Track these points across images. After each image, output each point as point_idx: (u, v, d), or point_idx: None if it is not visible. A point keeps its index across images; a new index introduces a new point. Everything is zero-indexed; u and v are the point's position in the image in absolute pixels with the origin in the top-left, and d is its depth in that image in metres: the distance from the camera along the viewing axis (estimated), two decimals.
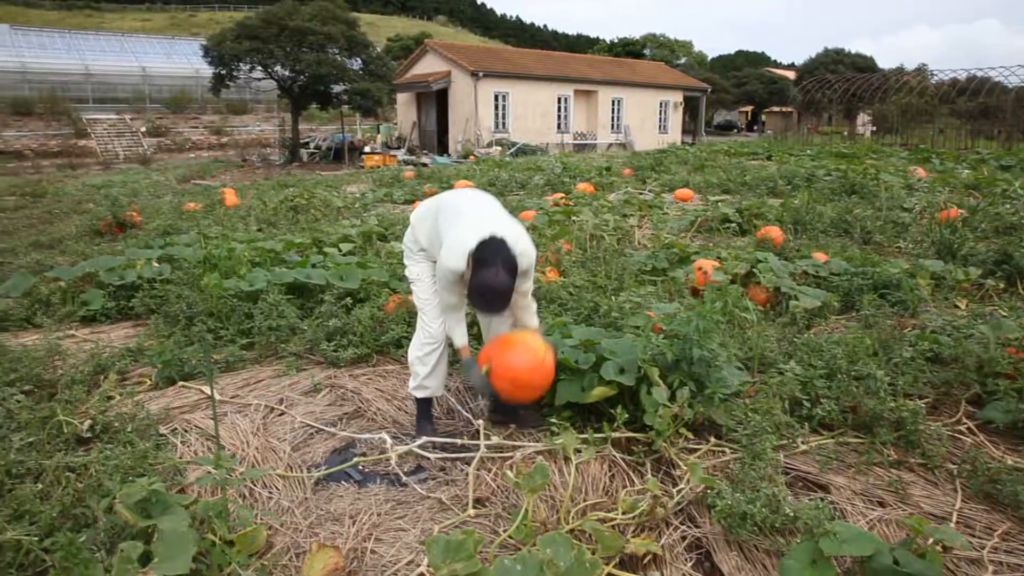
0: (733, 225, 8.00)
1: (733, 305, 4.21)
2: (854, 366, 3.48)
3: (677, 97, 37.39)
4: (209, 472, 2.46)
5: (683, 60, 68.22)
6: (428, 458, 3.17)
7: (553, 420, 3.24)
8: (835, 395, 3.33)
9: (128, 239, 8.27)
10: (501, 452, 3.15)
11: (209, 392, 3.91)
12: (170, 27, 75.49)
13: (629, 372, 3.21)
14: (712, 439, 3.18)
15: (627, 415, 3.08)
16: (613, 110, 34.39)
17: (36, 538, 2.57)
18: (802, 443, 3.12)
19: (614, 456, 3.03)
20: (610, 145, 32.80)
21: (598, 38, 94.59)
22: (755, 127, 61.18)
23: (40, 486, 2.90)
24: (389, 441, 3.26)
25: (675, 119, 37.53)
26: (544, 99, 31.40)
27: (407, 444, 3.27)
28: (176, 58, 40.20)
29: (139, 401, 3.76)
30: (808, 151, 18.96)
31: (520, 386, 3.18)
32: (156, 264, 5.86)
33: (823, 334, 4.32)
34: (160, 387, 4.06)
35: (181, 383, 4.07)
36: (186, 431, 3.48)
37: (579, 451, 2.97)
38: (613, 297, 4.64)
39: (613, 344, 3.42)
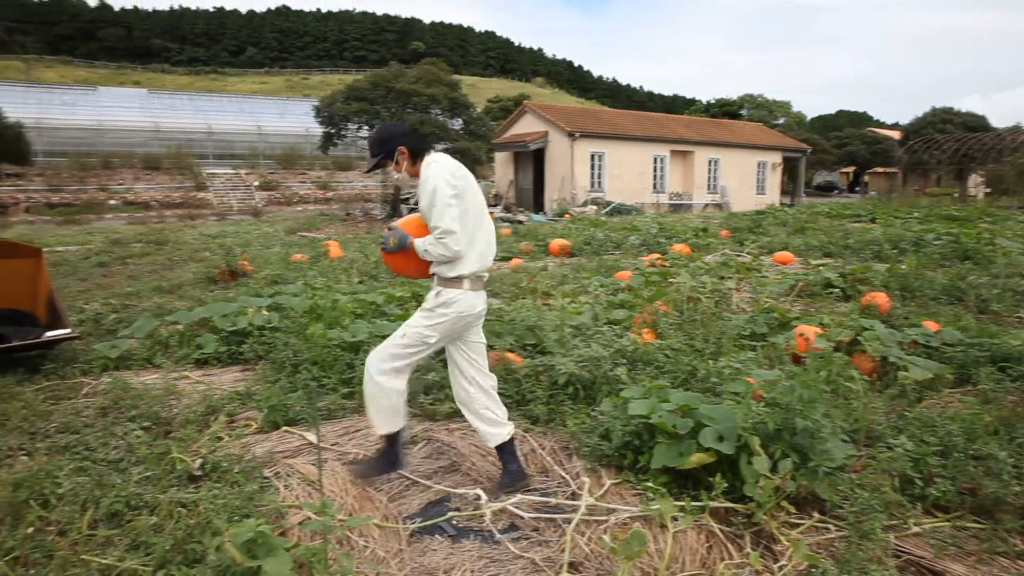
0: (836, 290, 7.75)
1: (837, 374, 4.08)
2: (972, 445, 3.29)
3: (775, 158, 36.82)
4: (313, 518, 2.54)
5: (781, 120, 67.36)
6: (522, 516, 3.17)
7: (649, 484, 3.20)
8: (951, 475, 3.15)
9: (240, 287, 8.73)
10: (594, 515, 3.12)
11: (311, 439, 4.05)
12: (285, 89, 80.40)
13: (728, 440, 3.14)
14: (815, 514, 3.06)
15: (726, 484, 3.01)
16: (710, 170, 34.15)
17: (150, 568, 2.71)
18: (914, 525, 2.96)
19: (712, 526, 2.95)
20: (706, 205, 32.48)
21: (694, 99, 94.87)
22: (857, 188, 59.35)
23: (155, 519, 3.06)
24: (484, 497, 3.29)
25: (773, 180, 36.90)
26: (640, 159, 31.52)
27: (501, 501, 3.29)
28: (289, 118, 42.68)
29: (246, 443, 3.94)
30: (915, 213, 18.25)
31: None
32: (265, 312, 6.16)
33: (936, 409, 4.11)
34: (266, 431, 4.24)
35: (285, 428, 4.24)
36: (288, 475, 3.60)
37: (676, 519, 2.92)
38: (711, 361, 4.57)
39: (712, 410, 3.37)
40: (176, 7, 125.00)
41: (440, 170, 3.29)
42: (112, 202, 30.96)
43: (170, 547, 2.79)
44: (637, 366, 4.71)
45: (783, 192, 38.66)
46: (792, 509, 3.07)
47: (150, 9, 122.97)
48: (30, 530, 3.04)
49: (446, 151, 26.35)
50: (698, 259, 10.27)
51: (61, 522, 3.11)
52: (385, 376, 3.37)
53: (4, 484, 3.43)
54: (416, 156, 3.43)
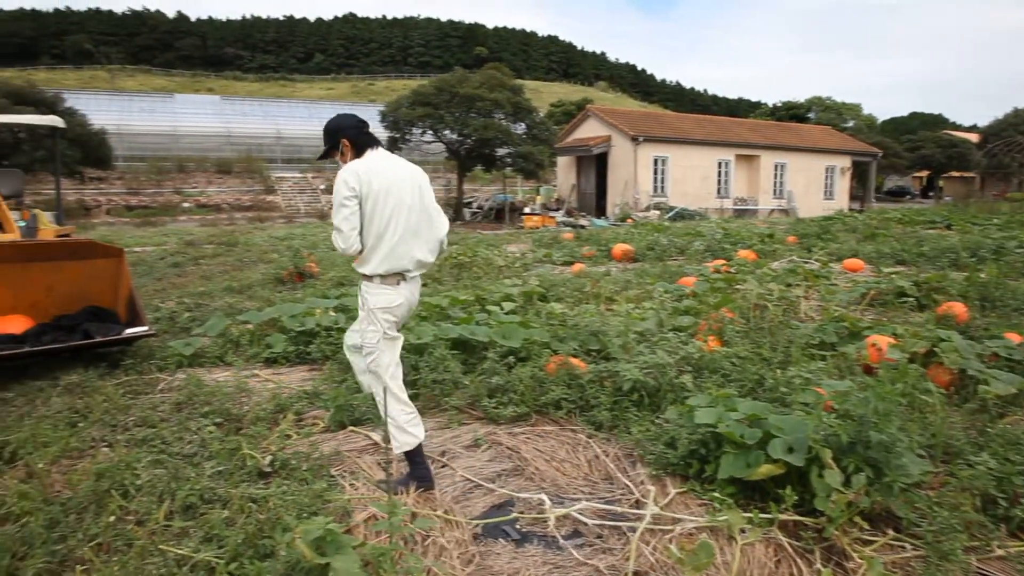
0: (910, 300, 7.48)
1: (913, 387, 3.94)
2: None
3: (844, 162, 35.86)
4: (383, 518, 2.57)
5: (851, 123, 65.39)
6: (586, 523, 3.16)
7: (716, 495, 3.15)
8: None
9: (307, 288, 8.94)
10: (660, 524, 3.09)
11: (376, 439, 4.12)
12: (351, 94, 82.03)
13: (799, 451, 3.07)
14: (890, 532, 2.96)
15: (795, 497, 2.93)
16: (776, 175, 33.47)
17: (223, 561, 2.79)
18: (998, 547, 2.83)
19: (781, 540, 2.89)
20: (772, 211, 31.84)
21: (759, 102, 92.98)
22: (931, 193, 57.28)
23: (227, 513, 3.16)
24: (548, 503, 3.29)
25: (842, 185, 35.93)
26: (704, 163, 31.10)
27: (565, 507, 3.28)
28: None
29: (313, 442, 4.03)
30: (995, 220, 17.49)
31: None
32: (332, 313, 6.29)
33: (1021, 426, 3.93)
34: (332, 430, 4.32)
35: (351, 427, 4.32)
36: (354, 474, 3.67)
37: (744, 531, 2.86)
38: (779, 371, 4.47)
39: (781, 420, 3.29)
40: (248, 16, 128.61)
41: (345, 171, 3.40)
42: (186, 205, 32.11)
43: (242, 541, 2.87)
44: (703, 374, 4.65)
45: (852, 197, 37.61)
46: (865, 525, 2.98)
47: (224, 19, 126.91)
48: (112, 519, 3.17)
49: (509, 155, 26.57)
50: (764, 266, 10.06)
51: (139, 512, 3.23)
52: (382, 388, 3.46)
53: (88, 473, 3.59)
54: (359, 150, 3.53)
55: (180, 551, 2.88)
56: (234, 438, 4.06)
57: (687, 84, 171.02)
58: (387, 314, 3.46)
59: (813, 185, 34.50)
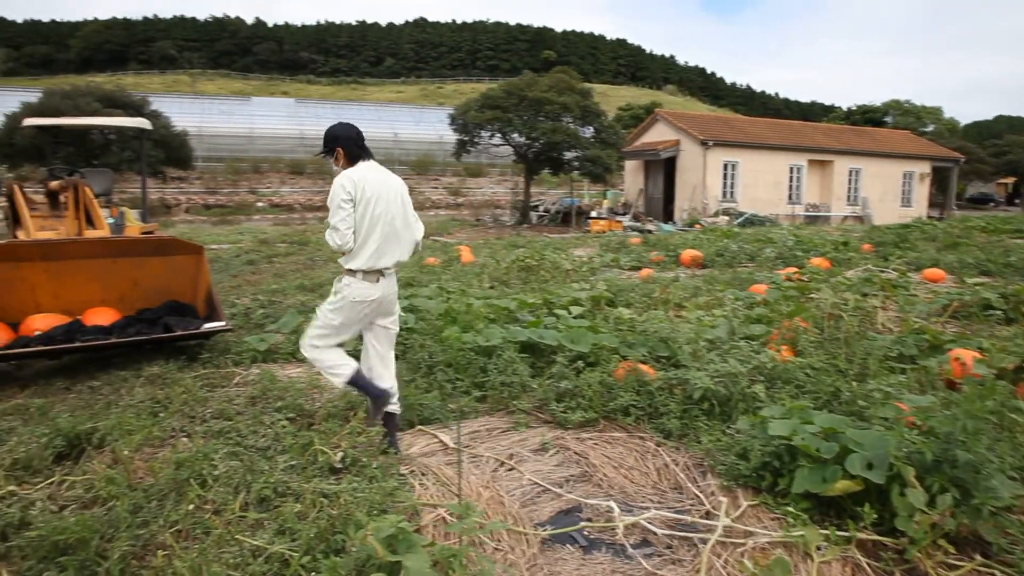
0: (996, 312, 7.16)
1: (1002, 404, 3.76)
2: None
3: (923, 168, 34.51)
4: (450, 520, 2.59)
5: (931, 127, 62.89)
6: (655, 532, 3.12)
7: (790, 509, 3.07)
8: None
9: None
10: (731, 537, 3.02)
11: (444, 439, 4.15)
12: (420, 97, 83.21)
13: (879, 468, 2.96)
14: (978, 557, 2.83)
15: (875, 515, 2.83)
16: (850, 181, 32.44)
17: (297, 554, 2.85)
18: None
19: (859, 559, 2.79)
20: (845, 218, 30.90)
21: (833, 105, 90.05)
22: (1017, 200, 54.61)
23: (299, 507, 3.22)
24: (616, 510, 3.26)
25: (920, 191, 34.59)
26: (775, 168, 30.39)
27: (634, 515, 3.24)
28: (423, 125, 44.07)
29: (383, 440, 4.08)
30: None
31: None
32: (402, 313, 6.36)
33: None
34: (401, 428, 4.37)
35: (419, 427, 4.36)
36: (423, 474, 3.70)
37: (820, 548, 2.78)
38: (855, 383, 4.33)
39: (860, 435, 3.19)
40: (322, 22, 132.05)
41: (343, 177, 3.88)
42: (260, 204, 33.06)
43: (314, 535, 2.93)
44: (776, 384, 4.55)
45: (931, 204, 36.15)
46: (951, 549, 2.85)
47: (299, 24, 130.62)
48: (191, 507, 3.28)
49: (576, 158, 26.49)
50: (839, 274, 9.76)
51: (216, 502, 3.33)
52: (308, 351, 4.13)
53: (168, 462, 3.73)
54: (351, 159, 4.00)
55: (255, 542, 2.95)
56: (306, 433, 4.14)
57: (757, 87, 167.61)
58: (359, 304, 3.98)
59: (889, 192, 33.32)
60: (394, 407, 4.13)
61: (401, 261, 4.12)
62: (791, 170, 30.99)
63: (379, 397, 4.05)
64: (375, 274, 3.96)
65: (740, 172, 29.36)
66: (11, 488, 3.56)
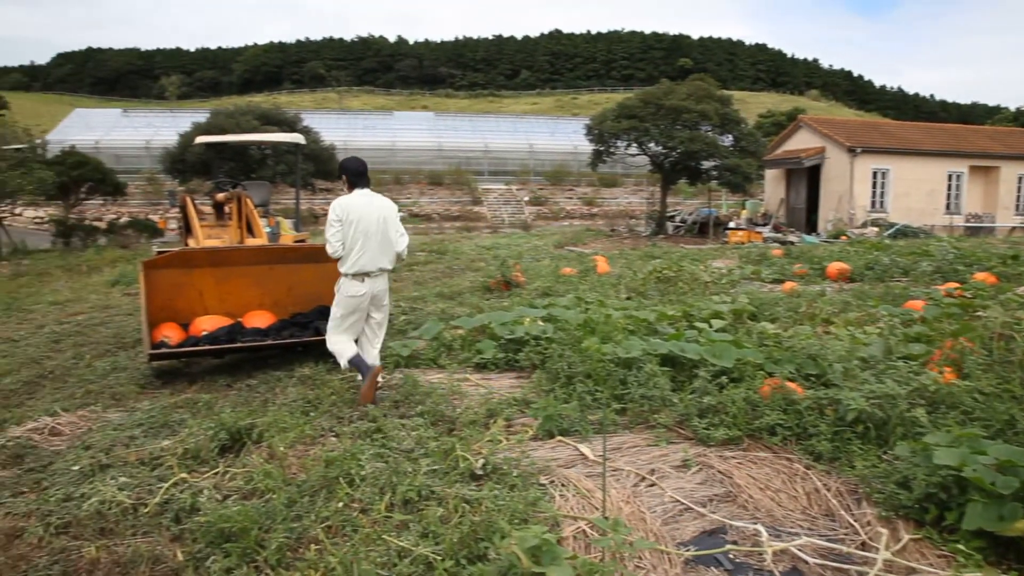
0: None
1: None
2: None
3: None
4: (598, 533, 2.55)
5: None
6: (806, 561, 2.95)
7: (960, 547, 2.81)
8: None
9: (513, 297, 9.19)
10: (892, 572, 2.81)
11: (585, 451, 4.12)
12: (555, 108, 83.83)
13: None
14: None
15: None
16: (1019, 188, 29.74)
17: (440, 558, 2.90)
18: None
19: None
20: (1013, 229, 28.32)
21: (999, 106, 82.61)
22: None
23: (442, 511, 3.28)
24: (765, 534, 3.10)
25: None
26: (931, 176, 28.30)
27: (783, 541, 3.08)
28: (558, 136, 44.31)
29: (523, 449, 4.10)
30: None
31: None
32: (540, 323, 6.40)
33: None
34: (540, 438, 4.37)
35: (559, 438, 4.34)
36: (563, 485, 3.68)
37: None
38: None
39: None
40: (460, 37, 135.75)
41: (336, 203, 5.20)
42: (400, 214, 34.32)
43: (457, 540, 2.97)
44: (939, 409, 4.21)
45: None
46: None
47: (438, 40, 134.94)
48: (340, 504, 3.41)
49: (715, 168, 25.76)
50: (1008, 291, 8.94)
51: (364, 501, 3.45)
52: (328, 343, 5.41)
53: (319, 460, 3.90)
54: (351, 185, 5.31)
55: (401, 543, 3.03)
56: (448, 439, 4.23)
57: (910, 89, 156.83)
58: (351, 299, 5.23)
59: None
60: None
61: (384, 267, 5.29)
62: (949, 177, 28.79)
63: (367, 373, 5.07)
64: (361, 275, 5.18)
65: (891, 180, 27.58)
66: (183, 475, 3.85)
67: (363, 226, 5.11)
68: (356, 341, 5.42)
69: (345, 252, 5.13)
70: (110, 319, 9.06)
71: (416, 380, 5.47)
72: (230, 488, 3.73)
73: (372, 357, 5.37)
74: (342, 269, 5.21)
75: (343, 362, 5.25)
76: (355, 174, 5.31)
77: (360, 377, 5.18)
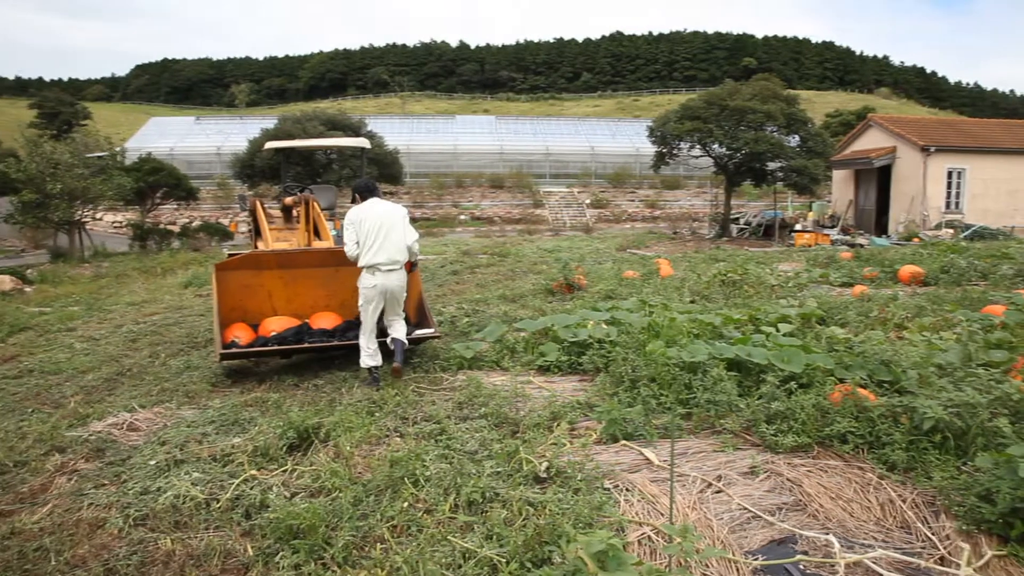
0: None
1: None
2: None
3: None
4: (664, 540, 2.52)
5: None
6: (881, 575, 2.84)
7: None
8: None
9: (576, 300, 9.16)
10: None
11: (649, 456, 4.07)
12: (616, 111, 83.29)
13: None
14: None
15: None
16: None
17: (504, 560, 2.90)
18: None
19: None
20: None
21: None
22: None
23: (506, 513, 3.29)
24: (837, 545, 3.01)
25: None
26: (1013, 175, 27.06)
27: (856, 552, 2.98)
28: (620, 138, 44.03)
29: (588, 453, 4.07)
30: None
31: None
32: (604, 326, 6.35)
33: None
34: (604, 442, 4.34)
35: (623, 442, 4.30)
36: (628, 490, 3.64)
37: None
38: None
39: None
40: (521, 41, 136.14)
41: (350, 212, 5.97)
42: (462, 217, 34.60)
43: (521, 543, 2.97)
44: (1019, 427, 4.01)
45: None
46: None
47: (500, 44, 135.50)
48: (405, 504, 3.45)
49: (781, 169, 25.13)
50: None
51: (428, 501, 3.49)
52: (360, 335, 6.00)
53: (384, 460, 3.95)
54: (363, 199, 6.06)
55: (466, 544, 3.04)
56: (511, 441, 4.24)
57: (987, 85, 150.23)
58: (366, 290, 5.87)
59: None
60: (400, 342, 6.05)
61: (394, 259, 5.85)
62: None
63: (376, 382, 5.82)
64: (372, 268, 5.81)
65: (967, 180, 26.50)
66: (253, 472, 3.95)
67: (369, 224, 5.81)
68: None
69: (360, 250, 5.82)
70: (183, 319, 9.38)
71: (479, 382, 5.49)
72: (298, 486, 3.81)
73: (398, 332, 6.06)
74: (360, 264, 5.89)
75: (362, 362, 5.92)
76: (363, 190, 6.12)
77: (369, 378, 5.90)
